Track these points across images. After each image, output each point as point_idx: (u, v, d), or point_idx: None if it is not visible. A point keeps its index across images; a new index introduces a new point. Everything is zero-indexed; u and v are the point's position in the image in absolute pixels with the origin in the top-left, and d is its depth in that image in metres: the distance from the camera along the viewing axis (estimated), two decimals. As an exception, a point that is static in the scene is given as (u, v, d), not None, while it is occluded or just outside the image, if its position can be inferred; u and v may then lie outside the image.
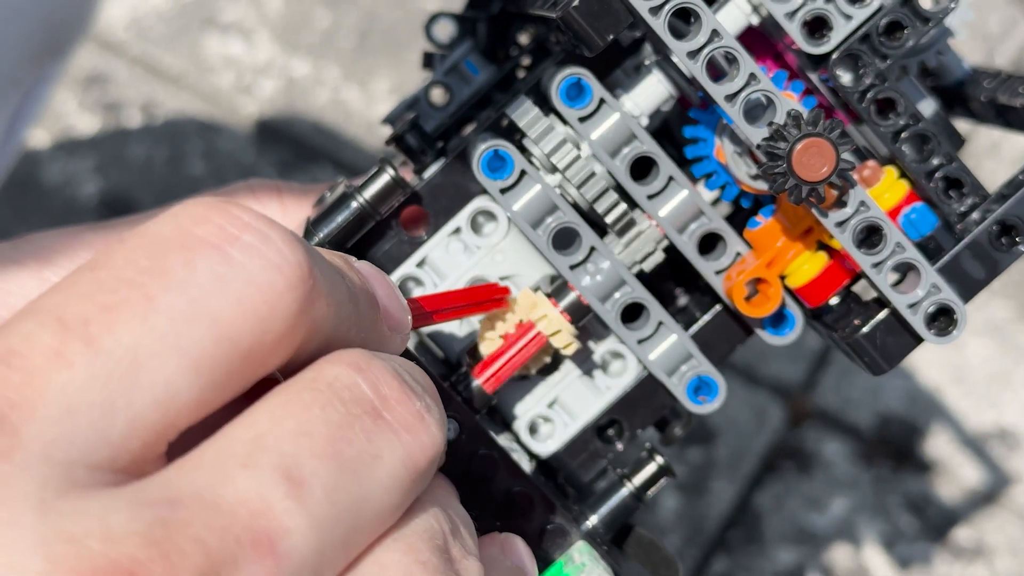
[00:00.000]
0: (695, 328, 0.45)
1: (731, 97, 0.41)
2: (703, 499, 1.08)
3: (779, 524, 1.09)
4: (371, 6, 1.26)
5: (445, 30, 0.54)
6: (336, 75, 1.23)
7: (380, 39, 1.24)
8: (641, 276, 0.45)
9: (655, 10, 0.40)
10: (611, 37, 0.40)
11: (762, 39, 0.45)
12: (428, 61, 0.53)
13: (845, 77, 0.43)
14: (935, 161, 0.44)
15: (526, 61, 0.52)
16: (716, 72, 0.41)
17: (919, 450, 1.11)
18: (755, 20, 0.43)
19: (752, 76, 0.40)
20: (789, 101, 0.41)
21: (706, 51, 0.40)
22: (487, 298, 0.41)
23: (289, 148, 1.20)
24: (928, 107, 0.48)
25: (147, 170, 1.18)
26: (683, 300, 0.47)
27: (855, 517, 1.08)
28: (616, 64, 0.45)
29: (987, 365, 1.14)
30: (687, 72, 0.41)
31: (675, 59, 0.41)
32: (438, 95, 0.53)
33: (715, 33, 0.40)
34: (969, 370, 1.14)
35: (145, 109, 1.21)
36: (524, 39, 0.54)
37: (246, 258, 0.29)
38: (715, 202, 0.46)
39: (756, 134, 0.41)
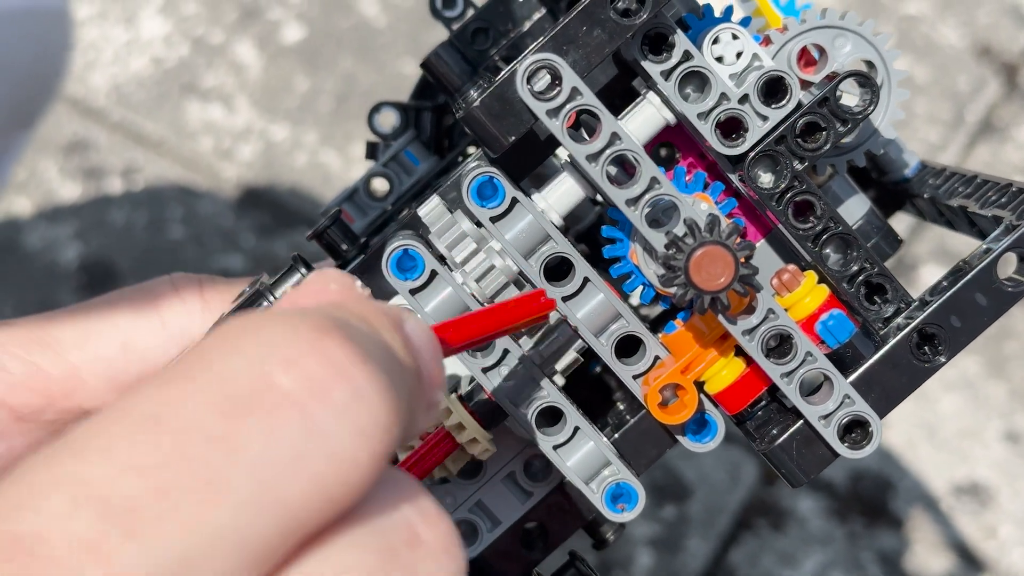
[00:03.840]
0: (620, 433, 0.43)
1: (632, 201, 0.40)
2: (678, 557, 1.09)
3: (754, 581, 1.09)
4: (349, 70, 1.27)
5: (388, 120, 0.54)
6: (314, 139, 1.25)
7: (358, 103, 1.25)
8: (581, 374, 0.44)
9: (553, 112, 0.39)
10: (513, 138, 0.40)
11: (689, 137, 0.44)
12: (371, 151, 0.54)
13: (764, 178, 0.42)
14: (856, 266, 0.42)
15: (472, 151, 0.52)
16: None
17: (892, 506, 1.11)
18: (672, 120, 0.42)
19: (654, 180, 0.39)
20: (701, 204, 0.41)
21: (606, 154, 0.39)
22: (527, 315, 0.36)
23: (268, 212, 1.21)
24: (861, 207, 0.46)
25: (127, 235, 1.19)
26: (621, 404, 0.45)
27: (829, 573, 1.09)
28: (539, 161, 0.44)
29: (959, 420, 1.15)
30: (588, 175, 0.40)
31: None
32: (380, 185, 0.54)
33: (615, 136, 0.39)
34: (941, 425, 1.14)
35: (126, 175, 1.22)
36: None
37: (334, 425, 0.25)
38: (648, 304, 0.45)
39: (659, 239, 0.40)
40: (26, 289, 1.16)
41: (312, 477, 0.25)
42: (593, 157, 0.40)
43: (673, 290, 0.39)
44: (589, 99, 0.39)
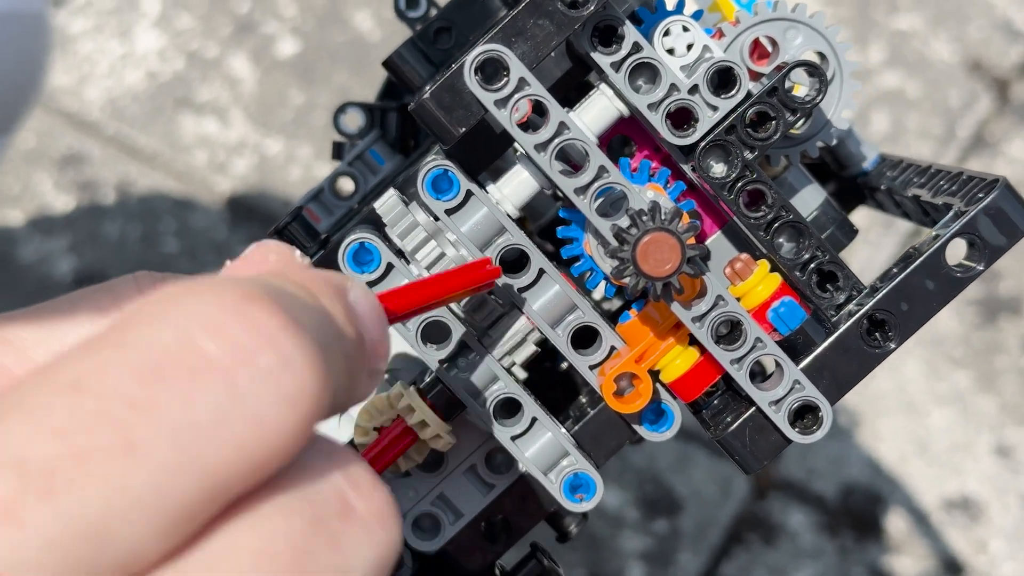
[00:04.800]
0: (580, 424, 0.43)
1: (581, 190, 0.40)
2: (669, 571, 1.09)
3: (744, 595, 1.09)
4: (343, 84, 1.28)
5: (353, 120, 0.55)
6: (308, 152, 1.25)
7: (351, 117, 1.26)
8: (548, 371, 0.44)
9: (501, 102, 0.39)
10: (463, 130, 0.40)
11: (644, 129, 0.44)
12: (337, 151, 0.55)
13: (716, 168, 0.42)
14: (807, 255, 0.42)
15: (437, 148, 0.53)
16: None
17: (883, 520, 1.11)
18: (626, 111, 0.43)
19: (602, 169, 0.40)
20: (648, 193, 0.41)
21: (554, 143, 0.40)
22: (473, 282, 0.36)
23: (262, 226, 1.22)
24: (816, 197, 0.46)
25: (121, 248, 1.20)
26: (584, 397, 0.46)
27: (819, 587, 1.09)
28: (497, 155, 0.44)
29: (950, 434, 1.14)
30: (538, 165, 0.40)
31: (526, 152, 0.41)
32: (346, 184, 0.54)
33: (563, 125, 0.40)
34: (932, 439, 1.14)
35: (119, 188, 1.23)
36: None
37: (257, 391, 0.25)
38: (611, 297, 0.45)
39: (608, 227, 0.40)
40: (19, 302, 1.16)
41: (234, 441, 0.25)
42: (542, 146, 0.40)
43: (626, 280, 0.39)
44: (536, 89, 0.39)
